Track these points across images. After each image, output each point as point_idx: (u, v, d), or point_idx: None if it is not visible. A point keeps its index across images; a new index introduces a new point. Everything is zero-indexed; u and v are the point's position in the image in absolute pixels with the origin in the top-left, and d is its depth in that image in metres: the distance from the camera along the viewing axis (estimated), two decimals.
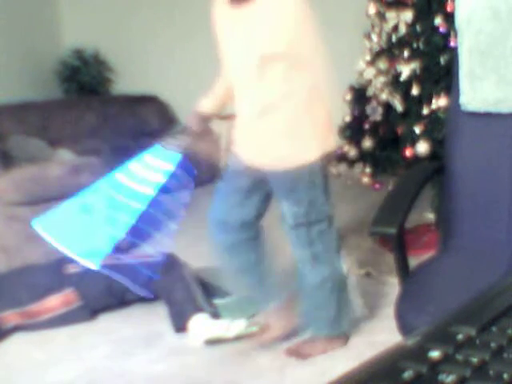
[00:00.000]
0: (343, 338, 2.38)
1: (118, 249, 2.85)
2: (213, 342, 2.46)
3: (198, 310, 2.58)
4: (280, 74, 2.07)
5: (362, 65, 3.38)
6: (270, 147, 2.16)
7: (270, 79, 2.07)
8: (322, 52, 2.08)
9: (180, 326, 2.56)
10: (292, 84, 2.09)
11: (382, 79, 3.23)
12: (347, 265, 2.51)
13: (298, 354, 2.31)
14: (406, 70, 3.14)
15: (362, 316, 2.51)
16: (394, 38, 3.24)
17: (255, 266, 2.36)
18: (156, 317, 2.72)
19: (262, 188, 2.26)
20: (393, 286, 2.46)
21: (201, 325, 2.51)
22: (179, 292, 2.67)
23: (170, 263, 2.83)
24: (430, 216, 3.65)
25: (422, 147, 2.97)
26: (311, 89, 2.11)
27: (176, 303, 2.64)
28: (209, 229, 2.40)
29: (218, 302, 2.74)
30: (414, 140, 3.04)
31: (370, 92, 3.30)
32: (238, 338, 2.45)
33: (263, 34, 2.04)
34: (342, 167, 3.41)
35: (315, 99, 2.12)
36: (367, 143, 3.26)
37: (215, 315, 2.58)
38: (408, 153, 3.05)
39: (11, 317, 2.66)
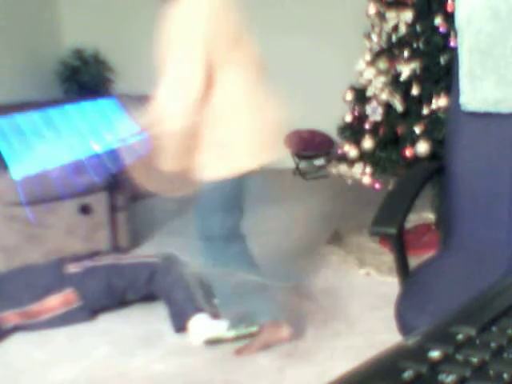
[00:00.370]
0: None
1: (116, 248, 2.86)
2: (213, 342, 2.46)
3: (199, 310, 2.58)
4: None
5: (362, 65, 3.38)
6: (195, 162, 2.14)
7: None
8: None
9: (180, 326, 2.56)
10: (207, 94, 1.96)
11: (382, 79, 3.23)
12: (347, 265, 2.50)
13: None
14: (405, 70, 3.14)
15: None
16: (394, 38, 3.24)
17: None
18: (156, 317, 2.72)
19: None
20: (393, 286, 2.46)
21: (201, 325, 2.51)
22: (179, 292, 2.67)
23: (170, 263, 2.83)
24: (430, 216, 3.65)
25: (422, 147, 2.98)
26: (220, 107, 2.00)
27: (176, 303, 2.64)
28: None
29: (218, 302, 2.74)
30: (414, 140, 3.04)
31: (369, 92, 3.30)
32: (238, 338, 2.45)
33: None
34: (342, 167, 3.41)
35: (229, 116, 2.02)
36: (367, 143, 3.27)
37: (215, 315, 2.58)
38: (408, 153, 3.05)
39: (11, 317, 2.66)
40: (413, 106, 3.15)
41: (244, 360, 2.32)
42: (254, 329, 2.45)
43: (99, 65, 6.17)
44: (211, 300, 2.73)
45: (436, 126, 2.99)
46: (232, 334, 2.48)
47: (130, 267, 2.85)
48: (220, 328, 2.48)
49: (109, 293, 2.78)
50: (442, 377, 0.41)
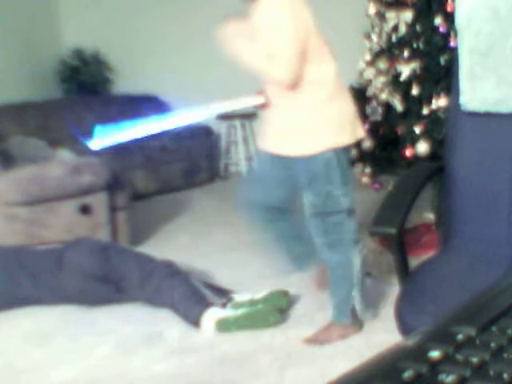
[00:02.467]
0: (356, 325, 2.43)
1: None
2: (223, 328, 2.52)
3: (209, 305, 2.61)
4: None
5: (362, 65, 3.38)
6: (289, 136, 2.35)
7: None
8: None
9: (193, 321, 2.58)
10: (307, 78, 2.23)
11: (382, 79, 3.23)
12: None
13: (315, 340, 2.40)
14: (405, 70, 3.14)
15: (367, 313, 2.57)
16: (393, 38, 3.25)
17: (288, 237, 2.60)
18: (156, 317, 2.72)
19: (290, 175, 2.42)
20: (393, 286, 2.46)
21: (212, 314, 2.58)
22: (180, 289, 2.68)
23: (173, 271, 2.82)
24: (430, 216, 3.65)
25: (422, 147, 2.98)
26: (327, 83, 2.28)
27: (181, 302, 2.64)
28: (243, 207, 2.62)
29: (238, 298, 2.76)
30: (413, 140, 3.04)
31: (369, 92, 3.31)
32: (247, 316, 2.53)
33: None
34: None
35: (331, 94, 2.29)
36: (367, 143, 3.27)
37: (224, 305, 2.66)
38: (408, 153, 3.05)
39: None
40: (413, 106, 3.15)
41: (244, 360, 2.32)
42: (259, 306, 2.58)
43: (99, 65, 6.17)
44: (224, 295, 2.76)
45: (436, 126, 2.99)
46: (239, 313, 2.56)
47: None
48: (228, 311, 2.59)
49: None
50: (441, 377, 0.41)
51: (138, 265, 2.83)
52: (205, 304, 2.62)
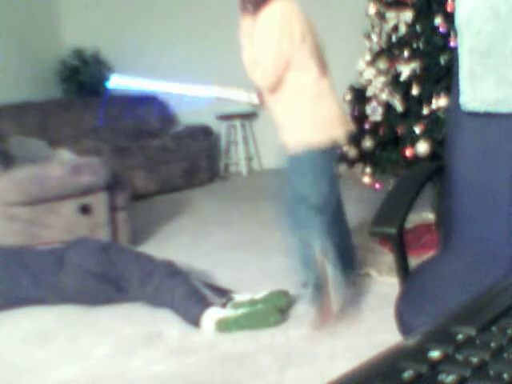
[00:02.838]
0: (332, 313, 2.55)
1: None
2: (223, 328, 2.52)
3: (209, 305, 2.60)
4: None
5: (361, 65, 3.38)
6: (284, 132, 2.57)
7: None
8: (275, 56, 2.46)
9: (193, 321, 2.58)
10: (289, 84, 2.50)
11: (382, 79, 3.23)
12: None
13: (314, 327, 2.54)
14: (405, 70, 3.14)
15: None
16: (393, 38, 3.25)
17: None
18: (156, 317, 2.73)
19: None
20: (393, 286, 2.46)
21: (212, 314, 2.57)
22: (180, 289, 2.68)
23: (173, 271, 2.82)
24: (430, 216, 3.65)
25: (422, 147, 2.98)
26: (306, 90, 2.50)
27: (181, 302, 2.64)
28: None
29: (238, 298, 2.76)
30: (413, 140, 3.04)
31: (369, 92, 3.30)
32: (247, 316, 2.53)
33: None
34: (342, 167, 3.41)
35: (310, 99, 2.51)
36: (367, 143, 3.27)
37: (224, 305, 2.66)
38: (408, 153, 3.05)
39: None
40: (413, 106, 3.15)
41: (244, 360, 2.32)
42: (259, 306, 2.59)
43: (99, 65, 6.17)
44: (224, 294, 2.76)
45: (436, 126, 2.99)
46: (239, 313, 2.56)
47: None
48: (228, 310, 2.60)
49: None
50: (441, 377, 0.41)
51: (137, 265, 2.83)
52: (205, 304, 2.62)
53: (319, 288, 2.55)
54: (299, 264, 2.60)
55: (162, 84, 3.81)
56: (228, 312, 2.60)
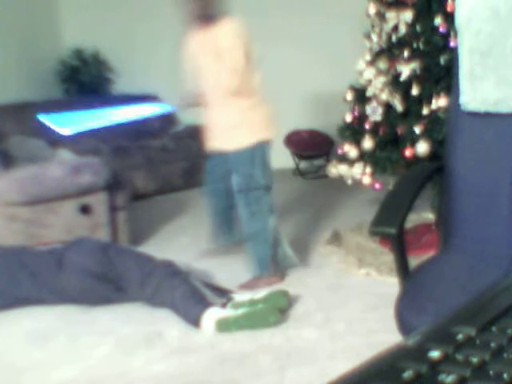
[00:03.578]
0: (278, 275, 3.10)
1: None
2: (223, 328, 2.52)
3: (209, 305, 2.61)
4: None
5: (361, 65, 3.38)
6: (227, 136, 3.05)
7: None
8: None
9: (193, 321, 2.58)
10: (251, 85, 2.99)
11: (382, 79, 3.23)
12: (347, 265, 2.60)
13: (247, 287, 2.99)
14: (405, 70, 3.14)
15: (294, 263, 3.25)
16: (394, 38, 3.24)
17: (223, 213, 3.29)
18: (156, 317, 2.73)
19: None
20: (393, 286, 2.46)
21: (212, 314, 2.58)
22: (180, 289, 2.68)
23: (173, 271, 2.82)
24: (430, 216, 3.65)
25: (422, 147, 2.98)
26: (250, 93, 3.00)
27: (181, 302, 2.64)
28: (205, 193, 3.33)
29: (238, 298, 2.76)
30: (413, 140, 3.04)
31: (369, 92, 3.30)
32: (247, 316, 2.54)
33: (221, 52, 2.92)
34: (342, 167, 3.41)
35: (254, 102, 3.02)
36: (367, 143, 3.26)
37: (224, 305, 2.67)
38: (408, 153, 3.05)
39: None
40: (413, 106, 3.15)
41: (244, 360, 2.32)
42: (259, 306, 2.62)
43: (99, 65, 6.17)
44: (224, 294, 2.76)
45: (436, 126, 2.99)
46: (239, 313, 2.57)
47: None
48: (228, 311, 2.62)
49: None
50: (441, 377, 0.41)
51: (137, 265, 2.83)
52: (205, 304, 2.62)
53: (272, 255, 3.06)
54: (247, 236, 3.08)
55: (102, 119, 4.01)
56: (228, 312, 2.60)
